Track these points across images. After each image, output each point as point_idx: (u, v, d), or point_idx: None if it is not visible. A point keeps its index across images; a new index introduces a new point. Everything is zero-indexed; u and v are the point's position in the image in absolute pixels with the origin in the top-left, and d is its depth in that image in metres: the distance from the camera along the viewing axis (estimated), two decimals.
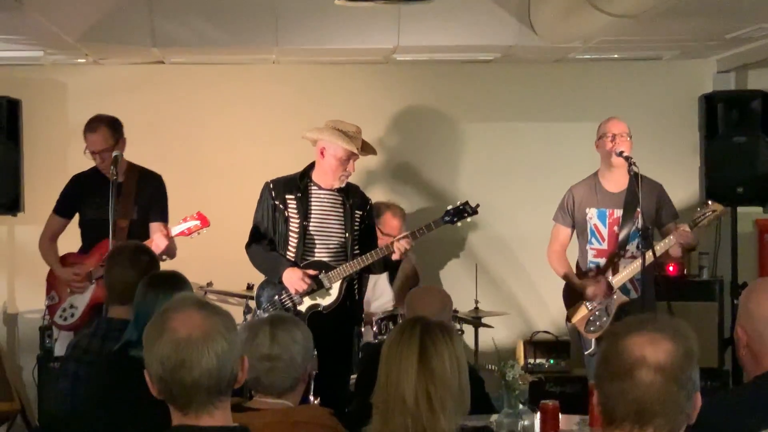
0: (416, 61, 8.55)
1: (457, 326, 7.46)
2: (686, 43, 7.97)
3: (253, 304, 6.83)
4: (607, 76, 8.78)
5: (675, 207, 7.02)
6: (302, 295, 6.47)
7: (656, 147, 8.18)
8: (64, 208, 7.16)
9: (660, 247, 6.64)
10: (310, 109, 8.19)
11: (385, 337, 6.32)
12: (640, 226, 6.51)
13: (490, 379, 5.57)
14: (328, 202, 6.58)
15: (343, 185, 6.59)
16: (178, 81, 8.59)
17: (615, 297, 6.80)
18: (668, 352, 2.61)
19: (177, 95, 8.57)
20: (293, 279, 6.42)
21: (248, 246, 6.64)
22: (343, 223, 6.57)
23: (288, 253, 6.54)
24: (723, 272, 8.27)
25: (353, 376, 6.73)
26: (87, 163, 7.23)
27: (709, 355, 7.90)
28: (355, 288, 6.68)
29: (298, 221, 6.51)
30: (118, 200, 6.81)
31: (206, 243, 7.03)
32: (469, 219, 6.65)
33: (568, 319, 7.07)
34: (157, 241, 6.67)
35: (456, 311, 7.20)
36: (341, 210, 6.58)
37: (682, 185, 7.97)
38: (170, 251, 6.88)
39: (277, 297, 6.54)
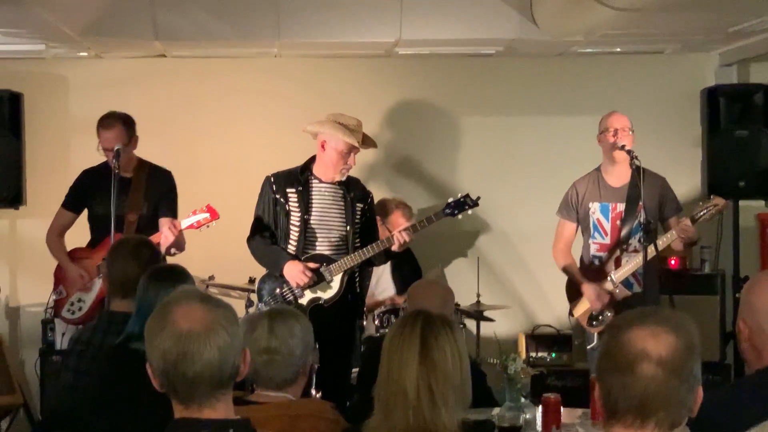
0: (418, 54, 8.54)
1: (459, 320, 7.46)
2: (688, 37, 7.96)
3: (254, 297, 6.83)
4: (609, 70, 8.77)
5: (678, 200, 7.01)
6: (303, 288, 6.48)
7: (658, 141, 8.17)
8: (73, 203, 7.17)
9: (662, 242, 6.64)
10: (312, 102, 8.19)
11: (386, 330, 6.33)
12: (642, 220, 6.50)
13: (491, 372, 5.57)
14: (329, 196, 6.58)
15: (344, 178, 6.59)
16: (180, 75, 8.59)
17: (617, 291, 6.80)
18: (670, 346, 2.61)
19: (179, 89, 8.57)
20: (294, 272, 6.43)
21: (249, 240, 6.64)
22: (344, 216, 6.57)
23: (289, 246, 6.54)
24: (725, 266, 8.26)
25: (355, 370, 6.74)
26: (89, 156, 7.23)
27: (711, 348, 7.90)
28: (356, 281, 6.68)
29: (299, 215, 6.51)
30: (127, 195, 6.88)
31: (208, 237, 7.03)
32: (470, 211, 6.65)
33: (571, 313, 7.08)
34: (166, 234, 6.69)
35: (458, 305, 7.20)
36: (342, 203, 6.58)
37: (684, 179, 7.97)
38: (179, 245, 6.90)
39: (278, 290, 6.54)
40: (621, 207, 6.86)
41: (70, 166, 8.18)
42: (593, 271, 6.93)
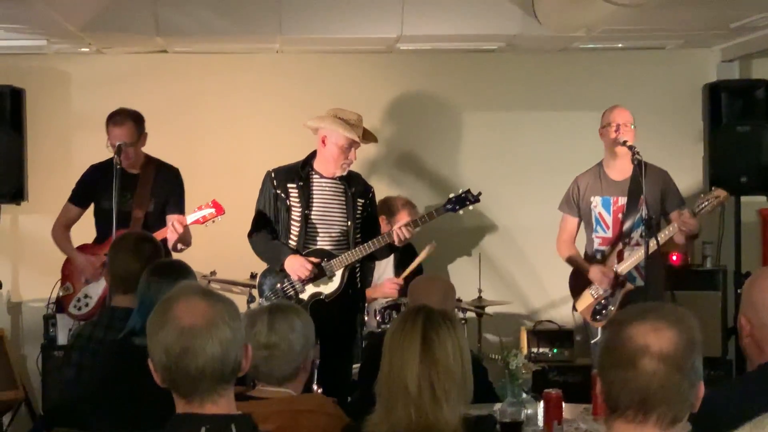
0: (419, 50, 8.54)
1: (460, 315, 7.47)
2: (690, 33, 7.96)
3: (256, 293, 6.84)
4: (611, 66, 8.76)
5: (681, 194, 7.01)
6: (304, 283, 6.48)
7: (660, 136, 8.16)
8: (79, 198, 7.16)
9: (663, 236, 6.64)
10: (314, 98, 8.18)
11: (388, 326, 6.32)
12: (644, 215, 6.50)
13: (493, 368, 5.57)
14: (329, 191, 6.58)
15: (345, 173, 6.59)
16: (182, 70, 8.58)
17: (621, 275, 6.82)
18: (671, 341, 2.60)
19: (180, 84, 8.56)
20: (295, 266, 6.43)
21: (250, 235, 6.64)
22: (345, 211, 6.57)
23: (290, 241, 6.54)
24: (726, 261, 8.26)
25: (356, 365, 6.74)
26: (91, 152, 7.25)
27: (713, 344, 7.90)
28: (357, 276, 6.69)
29: (299, 210, 6.51)
30: (134, 192, 6.91)
31: (210, 232, 7.03)
32: (471, 207, 6.64)
33: (575, 307, 7.08)
34: (172, 229, 6.70)
35: (459, 300, 7.21)
36: (343, 198, 6.58)
37: (686, 174, 7.96)
38: (186, 240, 6.91)
39: (279, 285, 6.55)
40: (623, 201, 6.86)
41: (72, 161, 8.19)
42: (596, 263, 6.93)
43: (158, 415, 2.96)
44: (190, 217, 6.85)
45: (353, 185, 6.63)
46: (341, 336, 6.58)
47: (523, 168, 8.72)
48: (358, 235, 6.59)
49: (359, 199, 6.63)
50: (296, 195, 6.52)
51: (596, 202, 6.95)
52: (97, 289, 7.02)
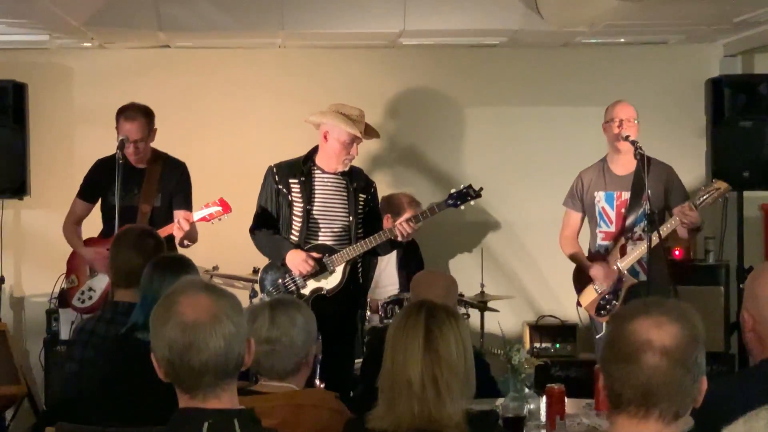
0: (422, 45, 8.54)
1: (463, 310, 7.47)
2: (693, 27, 7.95)
3: (258, 287, 6.84)
4: (613, 61, 8.76)
5: (686, 190, 7.00)
6: (306, 278, 6.48)
7: (662, 131, 8.16)
8: (87, 193, 7.15)
9: (665, 229, 6.63)
10: (316, 93, 8.18)
11: (391, 320, 6.33)
12: (646, 210, 6.49)
13: (495, 363, 5.57)
14: (331, 186, 6.58)
15: (347, 169, 6.59)
16: (184, 65, 8.59)
17: (624, 279, 6.80)
18: (674, 336, 2.61)
19: (182, 80, 8.57)
20: (297, 260, 6.43)
21: (252, 230, 6.65)
22: (346, 206, 6.57)
23: (291, 236, 6.54)
24: (729, 256, 8.26)
25: (358, 360, 6.75)
26: (93, 146, 7.25)
27: (715, 339, 7.90)
28: (359, 271, 6.69)
29: (301, 205, 6.51)
30: (141, 187, 6.91)
31: (212, 227, 7.03)
32: (472, 202, 6.63)
33: (579, 303, 7.08)
34: (178, 226, 6.71)
35: (461, 295, 7.21)
36: (345, 194, 6.58)
37: (689, 169, 7.94)
38: (192, 236, 6.92)
39: (280, 281, 6.55)
40: (626, 195, 6.85)
41: (74, 156, 8.20)
42: (599, 259, 6.93)
43: (161, 410, 2.97)
44: (196, 215, 6.86)
45: (355, 180, 6.63)
46: (342, 331, 6.58)
47: (526, 163, 8.72)
48: (360, 231, 6.59)
49: (361, 195, 6.63)
50: (298, 190, 6.52)
51: (599, 197, 6.95)
52: (101, 282, 7.02)
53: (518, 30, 7.82)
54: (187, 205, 7.03)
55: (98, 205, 7.13)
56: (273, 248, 6.58)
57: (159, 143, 7.09)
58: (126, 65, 8.52)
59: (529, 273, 8.72)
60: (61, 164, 8.28)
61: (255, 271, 7.30)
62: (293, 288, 6.51)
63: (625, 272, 6.80)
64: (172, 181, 7.05)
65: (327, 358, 6.31)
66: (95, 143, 7.45)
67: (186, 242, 6.89)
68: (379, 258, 7.47)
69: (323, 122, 6.53)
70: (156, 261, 4.57)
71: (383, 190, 7.69)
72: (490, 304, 7.75)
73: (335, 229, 6.56)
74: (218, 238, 7.58)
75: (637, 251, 6.74)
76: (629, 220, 6.83)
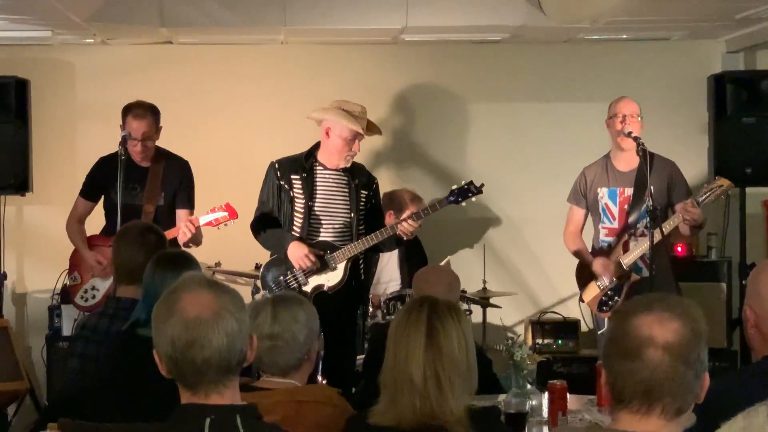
0: (424, 41, 8.53)
1: (465, 306, 7.47)
2: (695, 24, 7.95)
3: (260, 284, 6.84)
4: (615, 57, 8.75)
5: (689, 186, 6.99)
6: (307, 274, 6.48)
7: (665, 127, 8.16)
8: (90, 192, 7.14)
9: (668, 226, 6.62)
10: (318, 89, 8.18)
11: (393, 317, 6.32)
12: (648, 205, 6.49)
13: (498, 359, 5.57)
14: (333, 182, 6.57)
15: (349, 165, 6.59)
16: (187, 61, 8.58)
17: (625, 274, 6.81)
18: (676, 332, 2.60)
19: (185, 76, 8.56)
20: (298, 254, 6.42)
21: (253, 224, 6.65)
22: (348, 203, 6.57)
23: (293, 233, 6.54)
24: (731, 253, 8.26)
25: (359, 357, 6.75)
26: (95, 143, 7.24)
27: (718, 335, 7.91)
28: (360, 268, 6.69)
29: (303, 201, 6.51)
30: (144, 185, 6.91)
31: None
32: (473, 199, 6.63)
33: (582, 299, 7.08)
34: (183, 230, 6.71)
35: (464, 291, 7.21)
36: (346, 190, 6.58)
37: (691, 166, 7.94)
38: (196, 240, 6.91)
39: (282, 277, 6.55)
40: (629, 191, 6.85)
41: (76, 152, 8.20)
42: (603, 255, 6.93)
43: (163, 406, 2.97)
44: (202, 219, 6.85)
45: (357, 177, 6.63)
46: (344, 328, 6.59)
47: (528, 159, 8.72)
48: (362, 227, 6.59)
49: (363, 191, 6.63)
50: (300, 186, 6.53)
51: (603, 193, 6.95)
52: (105, 282, 7.02)
53: (521, 26, 7.82)
54: (190, 204, 7.03)
55: (101, 202, 7.12)
56: (275, 241, 6.58)
57: (161, 140, 7.08)
58: (128, 61, 8.52)
59: (531, 269, 8.72)
60: (64, 160, 8.28)
61: (257, 267, 7.30)
62: (295, 285, 6.51)
63: (629, 268, 6.80)
64: (176, 180, 7.04)
65: (329, 355, 6.31)
66: (97, 139, 7.45)
67: (190, 245, 6.87)
68: (381, 254, 7.47)
69: (325, 118, 6.54)
70: (158, 257, 4.57)
71: (385, 186, 7.70)
72: (492, 301, 7.75)
73: (336, 226, 6.56)
74: (220, 234, 7.55)
75: (640, 248, 6.73)
76: (632, 217, 6.83)
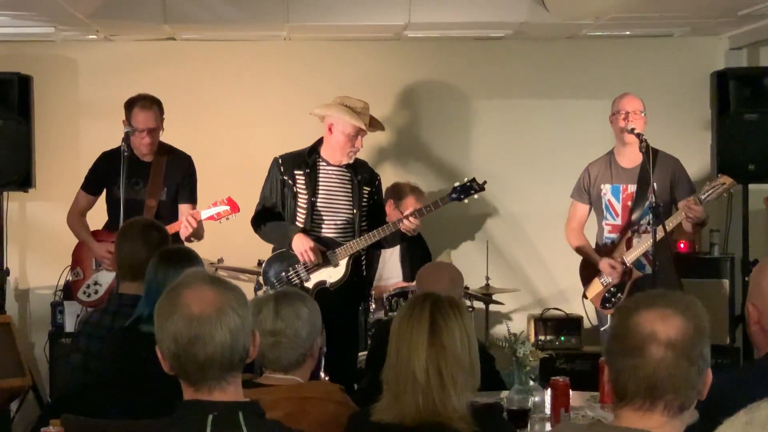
0: (427, 37, 8.53)
1: (468, 303, 7.47)
2: (698, 20, 7.94)
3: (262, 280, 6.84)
4: (618, 54, 8.75)
5: (692, 183, 6.99)
6: (309, 271, 6.48)
7: (668, 124, 8.15)
8: (91, 186, 7.14)
9: (670, 223, 6.62)
10: (321, 85, 8.18)
11: (395, 313, 6.32)
12: (651, 202, 6.48)
13: (500, 355, 5.57)
14: (336, 178, 6.58)
15: (351, 161, 6.59)
16: (190, 58, 8.58)
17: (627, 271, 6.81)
18: (679, 328, 2.60)
19: (188, 72, 8.56)
20: (303, 246, 6.42)
21: (254, 219, 6.65)
22: (350, 199, 6.57)
23: None
24: (734, 249, 8.25)
25: (362, 353, 6.75)
26: (98, 139, 7.23)
27: (720, 332, 7.90)
28: (362, 264, 6.69)
29: (306, 197, 6.52)
30: (146, 180, 6.90)
31: None
32: (476, 196, 6.63)
33: (585, 295, 7.08)
34: (185, 224, 6.71)
35: (467, 288, 7.21)
36: (349, 186, 6.59)
37: (694, 162, 7.94)
38: (198, 234, 6.90)
39: (284, 274, 6.55)
40: (632, 188, 6.85)
41: (79, 148, 8.20)
42: (606, 252, 6.94)
43: (165, 402, 2.97)
44: (204, 213, 6.84)
45: (360, 173, 6.63)
46: (346, 324, 6.59)
47: (531, 155, 8.72)
48: (364, 223, 6.60)
49: (365, 187, 6.63)
50: (303, 182, 6.53)
51: (606, 189, 6.95)
52: (107, 277, 7.01)
53: (524, 22, 7.81)
54: (193, 199, 7.03)
55: (103, 197, 7.12)
56: (279, 233, 6.59)
57: (164, 135, 7.08)
58: (131, 58, 8.51)
59: (534, 266, 8.71)
60: (66, 157, 8.28)
61: (260, 263, 7.29)
62: (297, 281, 6.52)
63: (631, 266, 6.80)
64: (178, 175, 7.03)
65: (331, 351, 6.31)
66: (100, 136, 7.45)
67: (192, 239, 6.87)
68: (383, 251, 7.47)
69: (328, 114, 6.54)
70: (161, 253, 4.57)
71: (388, 182, 7.70)
72: (495, 297, 7.75)
73: (339, 222, 6.57)
74: (223, 230, 7.56)
75: (642, 244, 6.73)
76: (635, 213, 6.84)
